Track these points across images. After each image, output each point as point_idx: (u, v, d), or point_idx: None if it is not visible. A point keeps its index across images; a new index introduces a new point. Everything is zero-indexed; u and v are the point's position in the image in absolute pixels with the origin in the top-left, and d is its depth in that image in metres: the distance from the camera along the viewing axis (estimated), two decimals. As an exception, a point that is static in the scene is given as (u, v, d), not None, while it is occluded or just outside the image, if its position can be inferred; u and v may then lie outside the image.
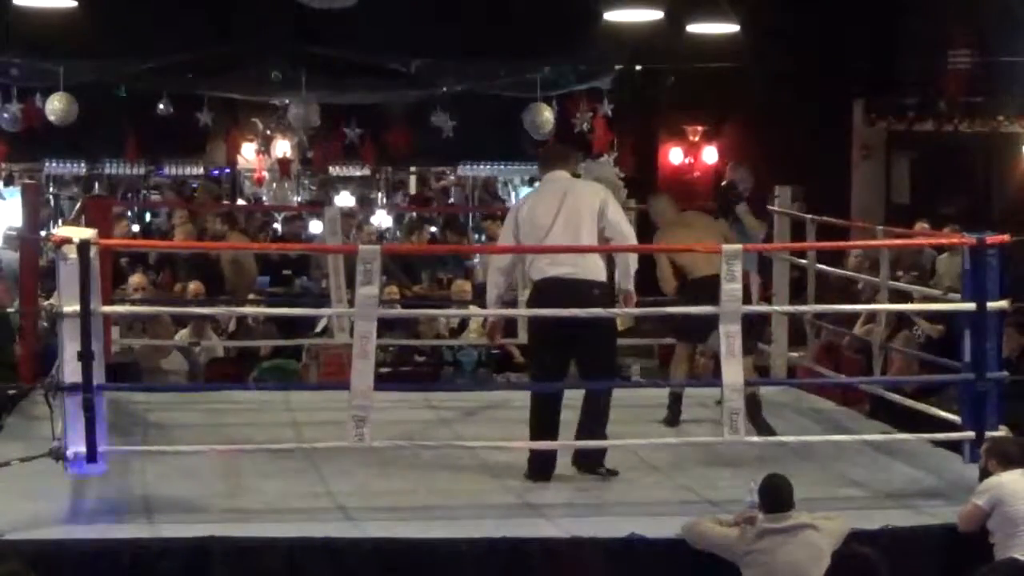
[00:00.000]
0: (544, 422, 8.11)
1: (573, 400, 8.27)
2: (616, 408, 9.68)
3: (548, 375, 8.31)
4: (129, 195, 21.13)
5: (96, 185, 21.44)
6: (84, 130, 17.68)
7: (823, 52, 16.10)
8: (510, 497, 7.78)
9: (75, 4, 12.96)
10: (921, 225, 13.17)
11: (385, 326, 9.82)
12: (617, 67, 16.79)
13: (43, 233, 10.94)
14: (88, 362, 7.00)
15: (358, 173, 22.20)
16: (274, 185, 20.55)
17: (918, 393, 9.24)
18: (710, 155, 18.01)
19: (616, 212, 8.27)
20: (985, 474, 7.30)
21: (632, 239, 8.43)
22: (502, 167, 21.99)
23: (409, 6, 15.61)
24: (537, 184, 8.81)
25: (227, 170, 21.83)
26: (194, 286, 12.56)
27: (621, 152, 17.30)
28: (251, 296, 13.33)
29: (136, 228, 18.86)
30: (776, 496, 6.90)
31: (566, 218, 8.16)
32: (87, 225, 8.60)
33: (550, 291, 8.09)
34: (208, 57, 16.01)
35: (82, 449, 7.07)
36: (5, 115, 17.42)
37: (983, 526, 7.11)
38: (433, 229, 18.51)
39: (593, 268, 8.15)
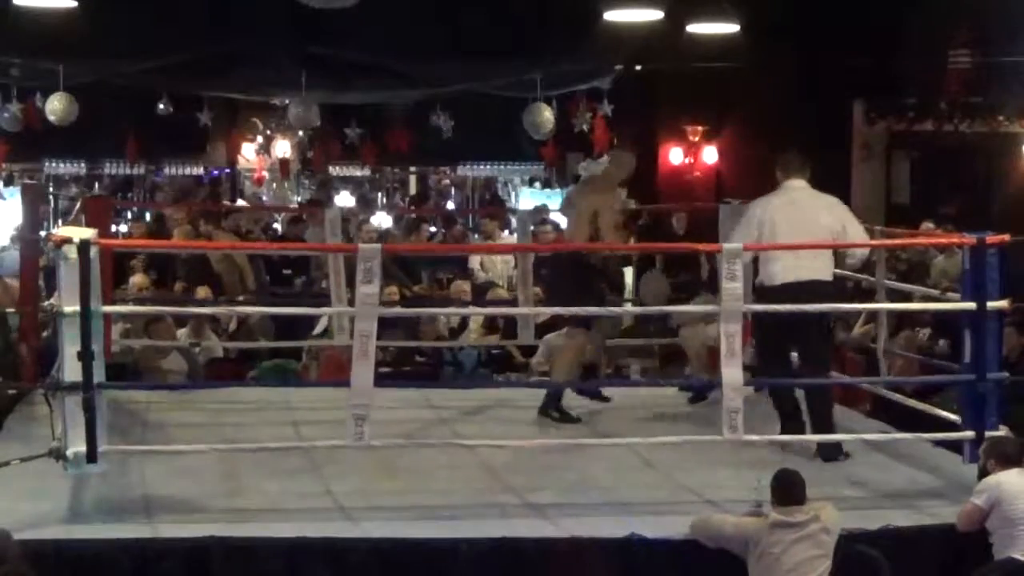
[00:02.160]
0: (787, 411, 8.74)
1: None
2: (616, 408, 9.75)
3: (772, 364, 8.85)
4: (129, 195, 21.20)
5: (96, 185, 21.49)
6: (84, 130, 17.68)
7: (823, 52, 16.09)
8: (510, 497, 7.78)
9: (75, 4, 12.95)
10: (927, 226, 13.15)
11: (385, 326, 9.82)
12: (617, 67, 16.78)
13: (43, 233, 10.94)
14: (88, 362, 7.01)
15: (358, 173, 22.24)
16: (274, 185, 20.58)
17: (919, 393, 9.24)
18: (710, 155, 18.02)
19: (857, 228, 8.75)
20: (984, 474, 7.31)
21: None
22: (502, 167, 22.02)
23: (409, 6, 15.59)
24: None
25: (227, 170, 21.87)
26: (203, 292, 12.58)
27: (621, 152, 17.26)
28: (241, 297, 13.31)
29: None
30: (789, 490, 6.94)
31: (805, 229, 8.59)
32: (87, 225, 8.61)
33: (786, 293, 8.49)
34: (208, 57, 16.00)
35: (82, 449, 7.08)
36: (5, 115, 17.42)
37: (982, 526, 7.12)
38: (433, 228, 18.50)
39: (822, 269, 8.62)
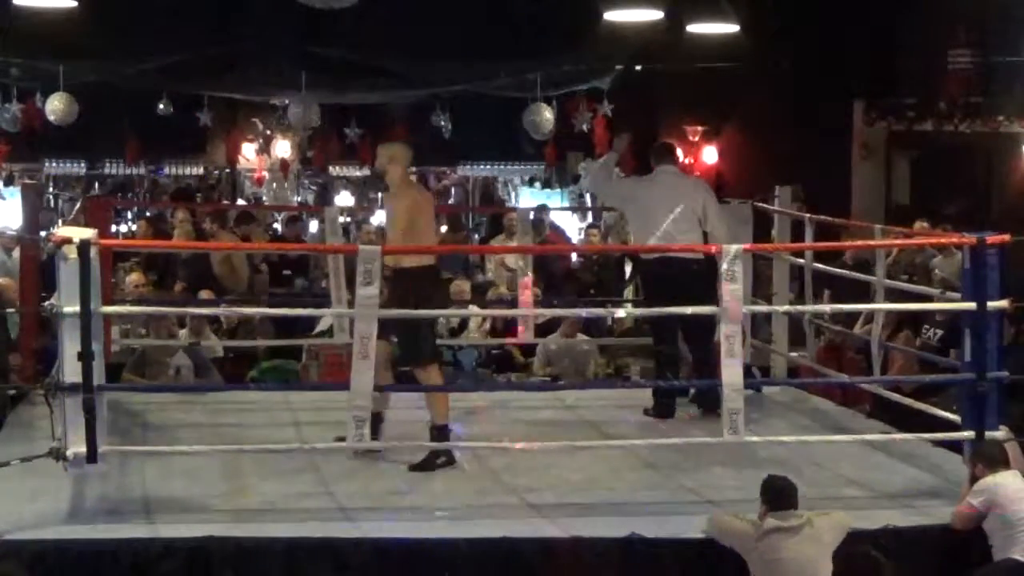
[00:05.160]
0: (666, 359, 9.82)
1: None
2: (615, 408, 9.74)
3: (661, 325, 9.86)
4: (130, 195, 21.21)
5: (96, 185, 21.50)
6: (84, 130, 17.69)
7: (823, 52, 16.09)
8: (510, 497, 7.78)
9: (75, 4, 12.95)
10: (921, 225, 13.16)
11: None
12: (617, 67, 16.78)
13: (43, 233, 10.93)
14: (88, 362, 7.01)
15: (358, 173, 22.25)
16: (274, 185, 20.59)
17: (919, 393, 9.24)
18: (710, 155, 18.01)
19: (714, 209, 9.84)
20: (974, 479, 7.33)
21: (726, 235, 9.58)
22: (502, 167, 22.02)
23: (409, 6, 15.60)
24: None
25: (227, 170, 21.88)
26: (205, 294, 12.58)
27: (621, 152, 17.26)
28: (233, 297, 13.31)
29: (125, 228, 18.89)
30: (780, 495, 6.94)
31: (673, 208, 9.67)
32: (87, 225, 8.61)
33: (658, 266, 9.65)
34: (208, 57, 16.01)
35: (82, 449, 7.08)
36: (5, 115, 17.43)
37: (978, 527, 7.13)
38: (443, 228, 18.46)
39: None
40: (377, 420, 8.15)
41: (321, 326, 11.69)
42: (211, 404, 9.81)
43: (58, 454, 7.15)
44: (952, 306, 8.43)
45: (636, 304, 11.96)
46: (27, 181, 18.47)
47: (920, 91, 16.22)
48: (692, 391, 10.00)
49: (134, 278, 12.93)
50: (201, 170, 21.95)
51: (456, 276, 14.44)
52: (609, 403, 9.97)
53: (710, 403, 9.53)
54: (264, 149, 20.90)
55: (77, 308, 6.98)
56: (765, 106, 16.65)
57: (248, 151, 21.37)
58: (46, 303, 7.38)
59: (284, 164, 20.52)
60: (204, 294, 12.56)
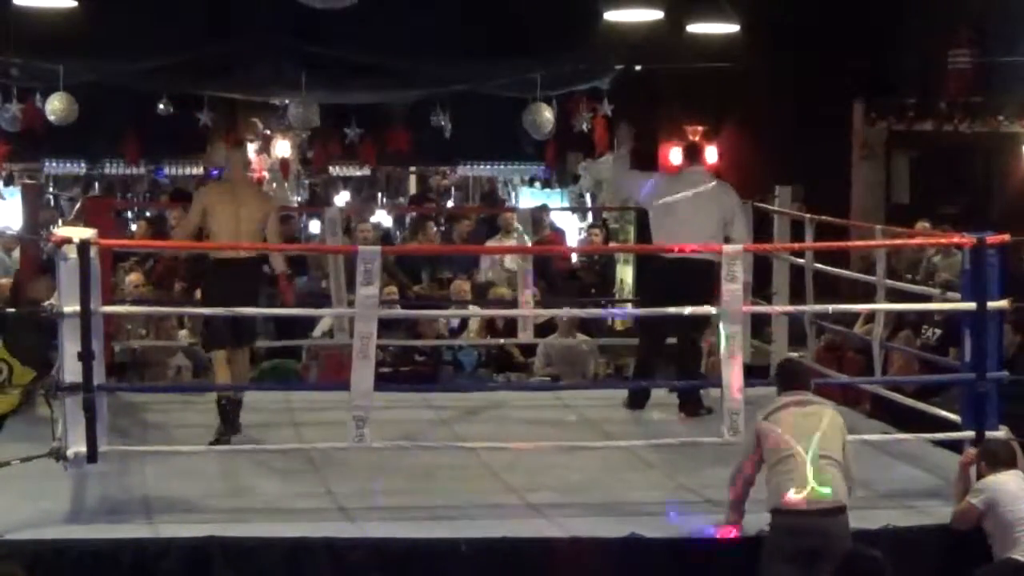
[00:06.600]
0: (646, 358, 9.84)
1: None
2: (615, 408, 9.76)
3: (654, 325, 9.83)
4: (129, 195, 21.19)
5: (96, 185, 21.47)
6: (84, 130, 17.66)
7: (823, 52, 16.08)
8: (510, 497, 7.78)
9: (75, 4, 12.95)
10: (922, 225, 13.17)
11: (385, 326, 9.83)
12: (617, 67, 16.76)
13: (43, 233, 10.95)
14: (88, 362, 7.01)
15: (358, 173, 22.23)
16: (274, 185, 20.57)
17: (919, 393, 9.24)
18: (710, 155, 17.98)
19: (741, 217, 9.87)
20: (978, 476, 7.32)
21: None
22: (502, 167, 22.00)
23: (410, 6, 15.59)
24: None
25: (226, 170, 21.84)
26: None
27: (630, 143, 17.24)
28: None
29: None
30: (794, 374, 7.22)
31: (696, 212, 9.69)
32: (87, 225, 8.60)
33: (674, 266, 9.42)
34: (208, 57, 15.99)
35: (82, 449, 7.08)
36: (5, 115, 17.39)
37: (977, 526, 7.14)
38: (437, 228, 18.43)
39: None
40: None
41: (322, 327, 11.69)
42: (211, 404, 9.79)
43: (58, 454, 7.15)
44: (952, 306, 8.43)
45: (636, 304, 11.97)
46: (27, 181, 18.45)
47: (920, 91, 16.21)
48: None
49: (133, 278, 12.92)
50: (201, 170, 21.93)
51: (456, 276, 14.49)
52: (609, 403, 9.97)
53: (692, 406, 9.59)
54: (264, 149, 20.88)
55: (77, 308, 6.98)
56: (765, 106, 16.63)
57: (248, 151, 21.33)
58: (46, 303, 7.38)
59: (284, 164, 20.51)
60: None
